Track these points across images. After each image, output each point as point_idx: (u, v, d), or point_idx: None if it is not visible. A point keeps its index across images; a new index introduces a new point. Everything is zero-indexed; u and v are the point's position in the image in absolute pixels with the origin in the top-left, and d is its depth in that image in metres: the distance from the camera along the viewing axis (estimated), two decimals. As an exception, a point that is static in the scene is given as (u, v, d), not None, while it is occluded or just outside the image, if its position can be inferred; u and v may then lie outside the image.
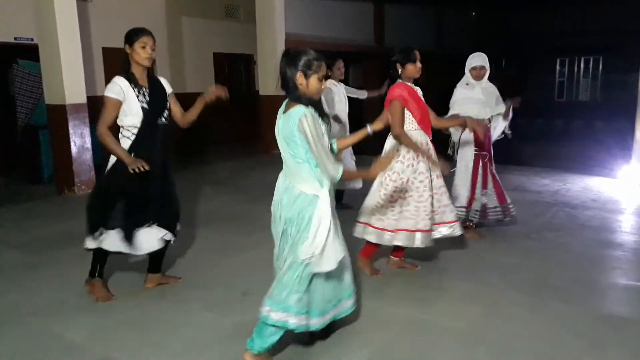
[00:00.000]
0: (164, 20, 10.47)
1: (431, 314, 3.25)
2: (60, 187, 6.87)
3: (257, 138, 10.78)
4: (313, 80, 2.55)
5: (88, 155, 6.90)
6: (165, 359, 2.83)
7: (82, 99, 6.80)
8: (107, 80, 10.29)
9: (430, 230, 3.66)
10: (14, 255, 4.54)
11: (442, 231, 3.79)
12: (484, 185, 4.62)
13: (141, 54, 3.26)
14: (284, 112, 2.58)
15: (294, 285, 2.54)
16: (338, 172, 2.53)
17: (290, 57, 2.57)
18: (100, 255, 3.48)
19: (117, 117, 3.30)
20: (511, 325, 3.12)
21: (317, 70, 2.55)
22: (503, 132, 4.72)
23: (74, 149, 6.75)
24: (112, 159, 3.35)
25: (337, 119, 5.43)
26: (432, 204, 3.66)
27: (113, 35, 9.41)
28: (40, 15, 6.63)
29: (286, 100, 2.63)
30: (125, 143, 3.30)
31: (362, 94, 5.89)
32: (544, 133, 13.30)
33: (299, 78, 2.54)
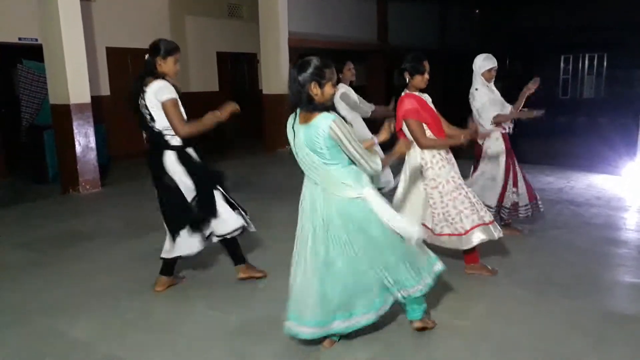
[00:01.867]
0: (167, 19, 10.48)
1: (435, 311, 3.25)
2: (65, 187, 6.90)
3: (260, 136, 10.80)
4: (327, 88, 2.55)
5: (92, 155, 6.93)
6: (169, 357, 2.84)
7: (86, 98, 6.82)
8: (112, 80, 10.33)
9: (493, 220, 3.62)
10: (19, 253, 4.57)
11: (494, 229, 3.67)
12: (515, 184, 4.60)
13: (173, 68, 3.38)
14: (303, 122, 2.56)
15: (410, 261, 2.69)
16: (378, 163, 2.59)
17: (300, 68, 2.54)
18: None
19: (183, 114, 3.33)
20: (515, 323, 3.12)
21: (330, 78, 2.55)
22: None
23: (78, 149, 6.77)
24: (171, 167, 3.35)
25: (363, 120, 5.32)
26: (470, 201, 3.60)
27: (117, 34, 9.53)
28: (44, 15, 6.65)
29: (297, 112, 2.61)
30: (175, 140, 3.35)
31: (371, 108, 5.41)
32: (548, 130, 13.25)
33: (314, 89, 2.52)
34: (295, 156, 2.66)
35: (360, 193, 2.59)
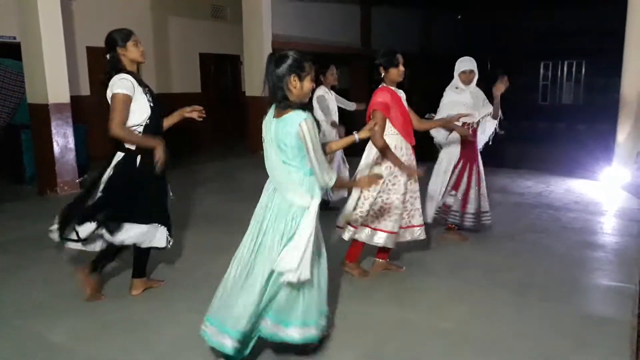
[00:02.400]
0: (149, 19, 10.39)
1: (418, 314, 3.27)
2: (43, 188, 6.78)
3: (243, 138, 10.75)
4: (306, 81, 2.50)
5: (71, 156, 6.82)
6: (150, 359, 2.81)
7: (65, 98, 6.71)
8: (92, 80, 10.19)
9: (395, 232, 3.70)
10: (-5, 256, 4.47)
11: (406, 235, 3.84)
12: (455, 187, 4.56)
13: (136, 51, 3.26)
14: (276, 116, 2.51)
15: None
16: (332, 179, 2.50)
17: (279, 61, 2.47)
18: (113, 250, 3.43)
19: (128, 115, 3.18)
20: (497, 325, 3.15)
21: (309, 71, 2.49)
22: (494, 132, 4.74)
23: (56, 149, 6.66)
24: (118, 162, 3.27)
25: (334, 125, 5.40)
26: (403, 207, 3.70)
27: (97, 34, 9.24)
28: (23, 13, 6.53)
29: (274, 107, 2.55)
30: (131, 145, 3.25)
31: (351, 106, 5.76)
32: (528, 136, 13.44)
33: (293, 81, 2.46)
34: (265, 153, 2.58)
35: (308, 204, 2.48)
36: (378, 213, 3.68)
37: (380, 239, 3.71)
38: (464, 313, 3.33)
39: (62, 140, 6.71)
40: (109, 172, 3.29)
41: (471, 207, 4.59)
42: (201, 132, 10.48)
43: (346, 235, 3.77)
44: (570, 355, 2.82)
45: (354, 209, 3.68)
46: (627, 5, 6.99)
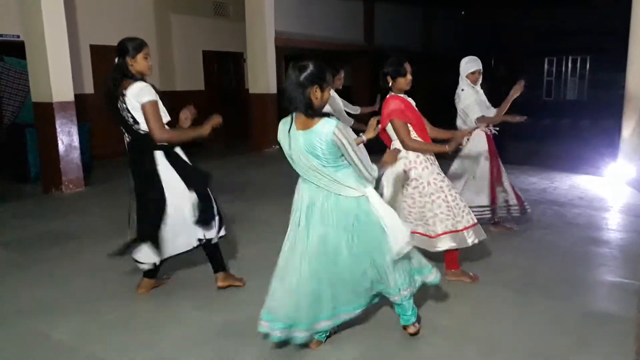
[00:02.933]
0: (152, 17, 10.40)
1: (420, 312, 3.26)
2: (47, 186, 6.80)
3: (246, 136, 10.76)
4: (327, 92, 2.55)
5: (76, 154, 6.84)
6: (153, 358, 2.81)
7: (69, 97, 6.73)
8: (96, 78, 10.21)
9: (475, 224, 3.59)
10: (0, 254, 4.49)
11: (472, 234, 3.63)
12: (500, 183, 4.69)
13: (145, 64, 3.29)
14: (302, 128, 2.51)
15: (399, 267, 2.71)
16: (375, 170, 2.60)
17: (301, 71, 2.47)
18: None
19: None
20: (500, 323, 3.14)
21: (330, 82, 2.54)
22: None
23: (61, 148, 6.68)
24: (162, 168, 3.29)
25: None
26: (449, 205, 3.56)
27: (101, 32, 9.40)
28: (27, 11, 6.55)
29: (291, 117, 2.56)
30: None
31: (356, 110, 5.76)
32: (532, 132, 13.39)
33: (316, 92, 2.48)
34: (290, 160, 2.62)
35: (363, 192, 2.61)
36: (443, 214, 3.54)
37: (439, 243, 3.58)
38: (466, 311, 3.32)
39: (67, 138, 6.73)
40: (164, 171, 3.29)
41: (512, 198, 4.72)
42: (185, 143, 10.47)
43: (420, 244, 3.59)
44: (574, 352, 2.80)
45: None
46: (630, 2, 6.94)
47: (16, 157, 7.57)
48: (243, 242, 4.56)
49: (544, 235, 4.81)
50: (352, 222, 2.61)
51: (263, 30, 9.99)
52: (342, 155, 2.53)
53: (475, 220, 3.62)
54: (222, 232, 3.52)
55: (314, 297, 2.61)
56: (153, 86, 3.29)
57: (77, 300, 3.52)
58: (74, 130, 6.79)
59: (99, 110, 8.65)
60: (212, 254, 3.58)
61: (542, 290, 3.59)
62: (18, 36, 7.71)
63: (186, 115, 3.45)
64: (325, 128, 2.45)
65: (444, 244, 3.56)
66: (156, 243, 3.31)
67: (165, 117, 3.29)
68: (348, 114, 5.57)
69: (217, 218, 3.45)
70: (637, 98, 6.92)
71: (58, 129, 6.63)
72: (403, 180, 3.59)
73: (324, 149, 2.48)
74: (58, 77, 6.59)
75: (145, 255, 3.35)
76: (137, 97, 3.17)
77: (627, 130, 7.05)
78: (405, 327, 2.90)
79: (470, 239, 3.57)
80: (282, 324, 2.62)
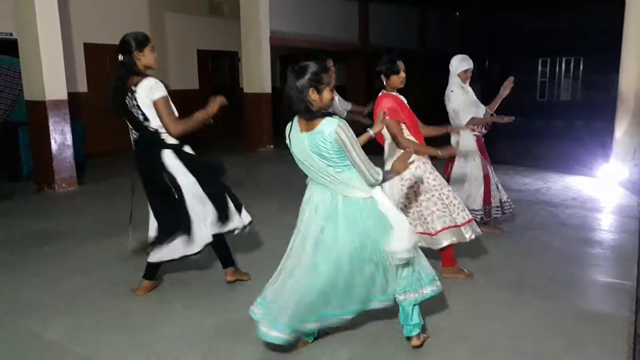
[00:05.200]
0: (146, 16, 10.35)
1: (414, 311, 3.27)
2: (40, 185, 6.76)
3: (241, 136, 10.73)
4: (325, 93, 2.53)
5: (69, 153, 6.81)
6: (146, 358, 2.80)
7: (62, 95, 6.69)
8: (89, 76, 10.15)
9: (471, 219, 3.62)
10: (-9, 253, 4.46)
11: (469, 229, 3.67)
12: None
13: (152, 57, 3.28)
14: (305, 130, 2.51)
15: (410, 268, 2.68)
16: (379, 174, 2.55)
17: (298, 74, 2.50)
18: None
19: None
20: (493, 323, 3.15)
21: (328, 82, 2.52)
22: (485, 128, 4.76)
23: (54, 146, 6.64)
24: (172, 165, 3.26)
25: None
26: (444, 202, 3.60)
27: (95, 31, 9.36)
28: (20, 9, 6.51)
29: (296, 119, 2.57)
30: (173, 139, 3.28)
31: (347, 106, 5.67)
32: (526, 132, 13.45)
33: (312, 94, 2.49)
34: (297, 161, 2.62)
35: (369, 193, 2.58)
36: (440, 211, 3.57)
37: (442, 240, 3.60)
38: (459, 311, 3.33)
39: (60, 137, 6.70)
40: (175, 169, 3.26)
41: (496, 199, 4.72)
42: (197, 129, 10.45)
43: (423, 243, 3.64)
44: (567, 352, 2.82)
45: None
46: (624, 3, 6.98)
47: (9, 156, 7.52)
48: (237, 241, 4.54)
49: (537, 235, 4.83)
50: (359, 224, 2.58)
51: (258, 29, 9.97)
52: (347, 156, 2.51)
53: (471, 217, 3.65)
54: (244, 221, 3.50)
55: (312, 298, 2.57)
56: (161, 81, 3.27)
57: (69, 300, 3.50)
58: (67, 129, 6.75)
59: (93, 108, 8.69)
60: (220, 250, 3.58)
61: (534, 290, 3.61)
62: (11, 34, 7.66)
63: (218, 101, 3.42)
64: (328, 127, 2.45)
65: (446, 240, 3.59)
66: (188, 231, 3.27)
67: (175, 112, 3.28)
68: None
69: (233, 211, 3.43)
70: (630, 99, 6.96)
71: (51, 128, 6.59)
72: (398, 181, 3.60)
73: (329, 148, 2.47)
74: (51, 76, 6.55)
75: (179, 249, 3.29)
76: (149, 93, 3.15)
77: (619, 131, 7.09)
78: (408, 339, 2.81)
79: (468, 234, 3.60)
80: (270, 318, 2.61)
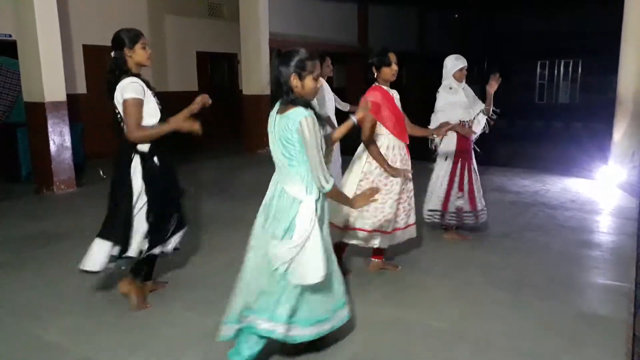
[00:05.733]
0: (146, 18, 10.36)
1: (413, 313, 3.27)
2: (39, 186, 6.76)
3: (240, 137, 10.74)
4: (308, 80, 2.49)
5: (68, 154, 6.80)
6: (145, 359, 2.80)
7: (61, 96, 6.69)
8: (88, 78, 10.14)
9: (389, 232, 3.69)
10: (-10, 255, 4.46)
11: (405, 235, 3.84)
12: (460, 188, 4.58)
13: (143, 54, 3.22)
14: (280, 113, 2.51)
15: (282, 294, 2.49)
16: (329, 184, 2.47)
17: (282, 58, 2.49)
18: (152, 257, 3.43)
19: (142, 118, 3.13)
20: (492, 324, 3.16)
21: (311, 70, 2.49)
22: (487, 124, 4.73)
23: (53, 148, 6.64)
24: (134, 172, 3.18)
25: (329, 120, 5.37)
26: (397, 208, 3.68)
27: (94, 32, 9.36)
28: (19, 10, 6.51)
29: (279, 102, 2.56)
30: (144, 147, 3.18)
31: (345, 107, 5.67)
32: (525, 134, 13.48)
33: (293, 80, 2.46)
34: (270, 146, 2.58)
35: (302, 198, 2.46)
36: (372, 214, 3.65)
37: (376, 240, 3.70)
38: (459, 312, 3.33)
39: (59, 138, 6.70)
40: (138, 182, 3.18)
41: (480, 204, 4.62)
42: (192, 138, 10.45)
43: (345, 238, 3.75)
44: (565, 353, 2.82)
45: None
46: (622, 5, 7.00)
47: (7, 157, 7.52)
48: (234, 243, 4.54)
49: (535, 237, 4.83)
50: (284, 219, 2.48)
51: (257, 31, 9.98)
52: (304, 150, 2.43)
53: (389, 230, 3.69)
54: (164, 249, 3.37)
55: (242, 285, 2.59)
56: (147, 83, 3.23)
57: (69, 301, 3.50)
58: (66, 131, 6.75)
59: (92, 110, 8.68)
60: (151, 264, 3.52)
61: (533, 292, 3.61)
62: (10, 35, 7.66)
63: (200, 100, 3.38)
64: (295, 116, 2.41)
65: (354, 239, 3.71)
66: (125, 243, 3.20)
67: (152, 119, 3.17)
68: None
69: (163, 236, 3.32)
70: (628, 101, 6.98)
71: (50, 129, 6.59)
72: (359, 164, 3.68)
73: (289, 137, 2.43)
74: (50, 77, 6.55)
75: (98, 257, 3.21)
76: (122, 92, 3.10)
77: (618, 133, 7.11)
78: None
79: (375, 242, 3.70)
80: (234, 319, 2.58)
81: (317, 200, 2.50)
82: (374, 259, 4.00)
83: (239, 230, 4.73)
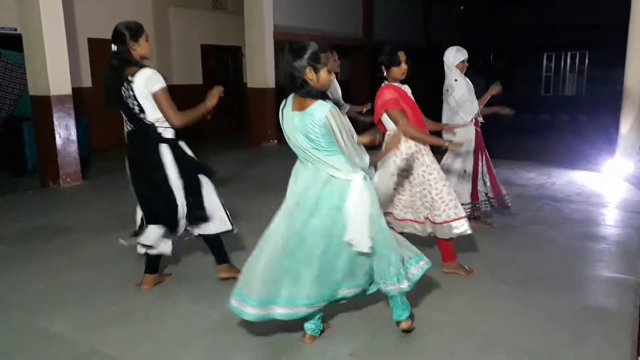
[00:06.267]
0: (150, 11, 10.35)
1: (416, 307, 3.27)
2: (45, 180, 6.79)
3: (244, 131, 10.74)
4: (323, 73, 2.51)
5: (73, 148, 6.83)
6: (151, 351, 2.82)
7: (67, 90, 6.70)
8: (93, 71, 10.14)
9: (462, 217, 3.59)
10: (-3, 248, 4.49)
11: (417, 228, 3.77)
12: (484, 177, 4.72)
13: (147, 47, 3.26)
14: (297, 109, 2.52)
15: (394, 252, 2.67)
16: (366, 160, 2.55)
17: (296, 52, 2.50)
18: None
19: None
20: (496, 318, 3.15)
21: (325, 63, 2.51)
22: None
23: (58, 141, 6.66)
24: (166, 160, 3.25)
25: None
26: (449, 193, 3.61)
27: (98, 26, 9.34)
28: (24, 5, 6.51)
29: (291, 96, 2.57)
30: (169, 133, 3.27)
31: (345, 108, 5.67)
32: (531, 127, 13.40)
33: (309, 73, 2.48)
34: (286, 138, 2.61)
35: (349, 177, 2.55)
36: (435, 206, 3.58)
37: (456, 229, 3.59)
38: (464, 305, 3.33)
39: (64, 132, 6.72)
40: (169, 166, 3.26)
41: (503, 190, 4.82)
42: (201, 124, 10.47)
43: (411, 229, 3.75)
44: (570, 347, 2.82)
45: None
46: (630, -3, 6.94)
47: (13, 151, 7.56)
48: (241, 235, 4.55)
49: (541, 230, 4.82)
50: (335, 204, 2.56)
51: (262, 24, 9.95)
52: (335, 141, 2.49)
53: (463, 214, 3.63)
54: (222, 229, 3.50)
55: (279, 274, 2.58)
56: (159, 73, 3.25)
57: (75, 294, 3.52)
58: (72, 124, 6.77)
59: (97, 103, 8.68)
60: (214, 247, 3.59)
61: (539, 285, 3.61)
62: (15, 29, 7.67)
63: (217, 92, 3.38)
64: (319, 111, 2.44)
65: (460, 229, 3.60)
66: (175, 222, 3.32)
67: (159, 112, 3.22)
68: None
69: (208, 215, 3.44)
70: (635, 94, 6.93)
71: (55, 123, 6.61)
72: (393, 169, 3.64)
73: (317, 132, 2.47)
74: (55, 71, 6.56)
75: (153, 237, 3.32)
76: (148, 85, 3.11)
77: (625, 126, 7.06)
78: (397, 323, 2.90)
79: (456, 231, 3.59)
80: (253, 301, 2.59)
81: (364, 178, 2.59)
82: (446, 263, 3.79)
83: (246, 223, 4.76)
